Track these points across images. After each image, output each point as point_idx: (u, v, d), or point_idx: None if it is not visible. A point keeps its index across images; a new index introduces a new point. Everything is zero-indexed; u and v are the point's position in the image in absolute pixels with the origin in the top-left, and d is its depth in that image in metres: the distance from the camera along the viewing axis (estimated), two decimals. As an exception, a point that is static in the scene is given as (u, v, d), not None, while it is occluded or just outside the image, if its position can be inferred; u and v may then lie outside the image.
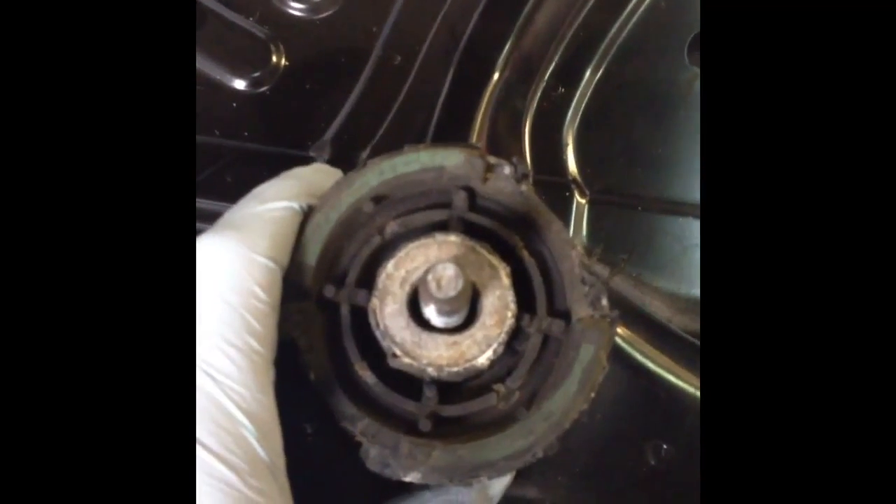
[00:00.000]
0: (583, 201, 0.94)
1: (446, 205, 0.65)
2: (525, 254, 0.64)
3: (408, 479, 0.59)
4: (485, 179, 0.64)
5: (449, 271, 0.55)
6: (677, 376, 0.81)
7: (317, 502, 0.62)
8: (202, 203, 0.82)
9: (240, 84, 0.90)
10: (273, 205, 0.60)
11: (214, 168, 0.85)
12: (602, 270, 0.90)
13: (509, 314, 0.61)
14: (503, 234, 0.64)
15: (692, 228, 0.92)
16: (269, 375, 0.55)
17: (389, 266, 0.61)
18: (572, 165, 0.95)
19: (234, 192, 0.81)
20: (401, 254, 0.61)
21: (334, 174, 0.67)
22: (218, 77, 0.90)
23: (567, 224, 0.93)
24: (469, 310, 0.61)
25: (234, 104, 0.90)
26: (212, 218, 0.80)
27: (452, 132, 0.93)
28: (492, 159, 0.65)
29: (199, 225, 0.78)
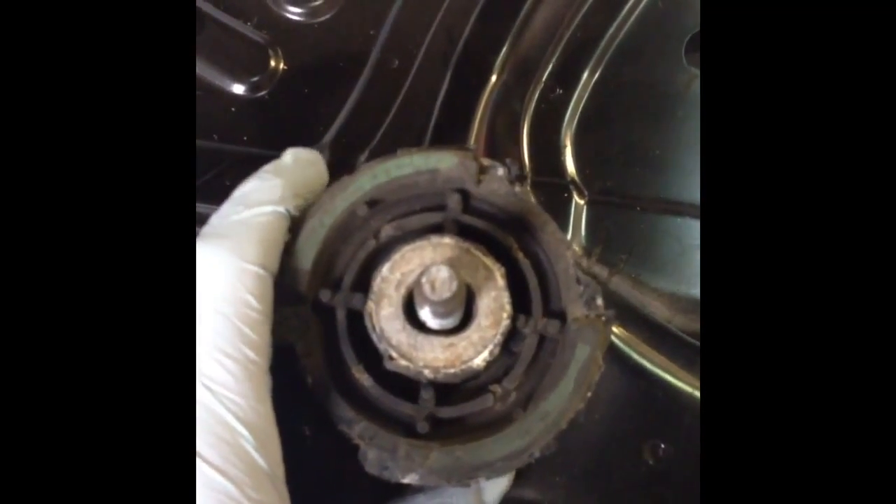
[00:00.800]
0: (581, 202, 0.94)
1: (441, 207, 0.65)
2: (520, 255, 0.64)
3: (406, 480, 0.59)
4: (478, 181, 0.65)
5: (443, 273, 0.55)
6: (675, 376, 0.81)
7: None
8: (201, 207, 0.82)
9: (238, 89, 0.90)
10: (260, 210, 0.60)
11: (214, 172, 0.86)
12: (601, 271, 0.91)
13: (505, 315, 0.61)
14: (498, 235, 0.64)
15: (691, 228, 0.92)
16: (265, 383, 0.55)
17: (384, 269, 0.61)
18: (571, 166, 0.95)
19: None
20: (396, 257, 0.62)
21: (313, 160, 0.67)
22: (217, 82, 0.90)
23: (566, 225, 0.93)
24: (465, 311, 0.61)
25: (233, 109, 0.90)
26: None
27: (451, 135, 0.93)
28: (485, 161, 0.65)
29: (198, 229, 0.79)
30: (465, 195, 0.65)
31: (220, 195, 0.83)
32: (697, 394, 0.80)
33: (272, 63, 0.91)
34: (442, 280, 0.55)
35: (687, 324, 0.88)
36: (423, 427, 0.60)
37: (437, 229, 0.64)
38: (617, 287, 0.91)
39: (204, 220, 0.79)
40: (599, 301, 0.64)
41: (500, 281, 0.62)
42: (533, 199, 0.66)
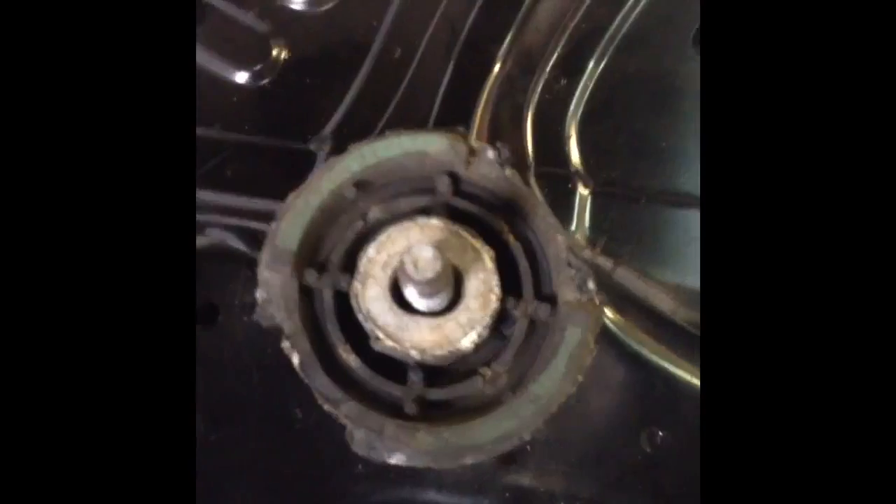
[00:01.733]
0: (586, 193, 0.93)
1: (431, 190, 0.65)
2: (510, 238, 0.64)
3: (393, 461, 0.59)
4: (468, 164, 0.65)
5: (426, 253, 0.55)
6: (674, 364, 0.80)
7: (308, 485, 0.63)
8: (203, 195, 0.83)
9: (241, 78, 0.91)
10: None
11: (215, 161, 0.86)
12: (605, 262, 0.91)
13: (493, 297, 0.61)
14: (488, 218, 0.64)
15: (697, 220, 0.91)
16: None
17: (371, 250, 0.61)
18: (575, 157, 0.95)
19: (235, 184, 0.83)
20: (382, 237, 0.62)
21: None
22: (219, 71, 0.90)
23: (570, 216, 0.93)
24: (453, 293, 0.61)
25: (235, 98, 0.90)
26: (213, 210, 0.81)
27: (453, 125, 0.93)
28: (475, 144, 0.65)
29: (199, 216, 0.80)
30: (454, 178, 0.65)
31: (221, 183, 0.84)
32: (696, 382, 0.79)
33: (274, 52, 0.92)
34: (426, 259, 0.55)
35: (692, 315, 0.87)
36: (411, 408, 0.60)
37: (427, 212, 0.64)
38: (621, 278, 0.91)
39: (205, 207, 0.80)
40: (591, 285, 0.63)
41: (489, 263, 0.61)
42: (522, 183, 0.65)
